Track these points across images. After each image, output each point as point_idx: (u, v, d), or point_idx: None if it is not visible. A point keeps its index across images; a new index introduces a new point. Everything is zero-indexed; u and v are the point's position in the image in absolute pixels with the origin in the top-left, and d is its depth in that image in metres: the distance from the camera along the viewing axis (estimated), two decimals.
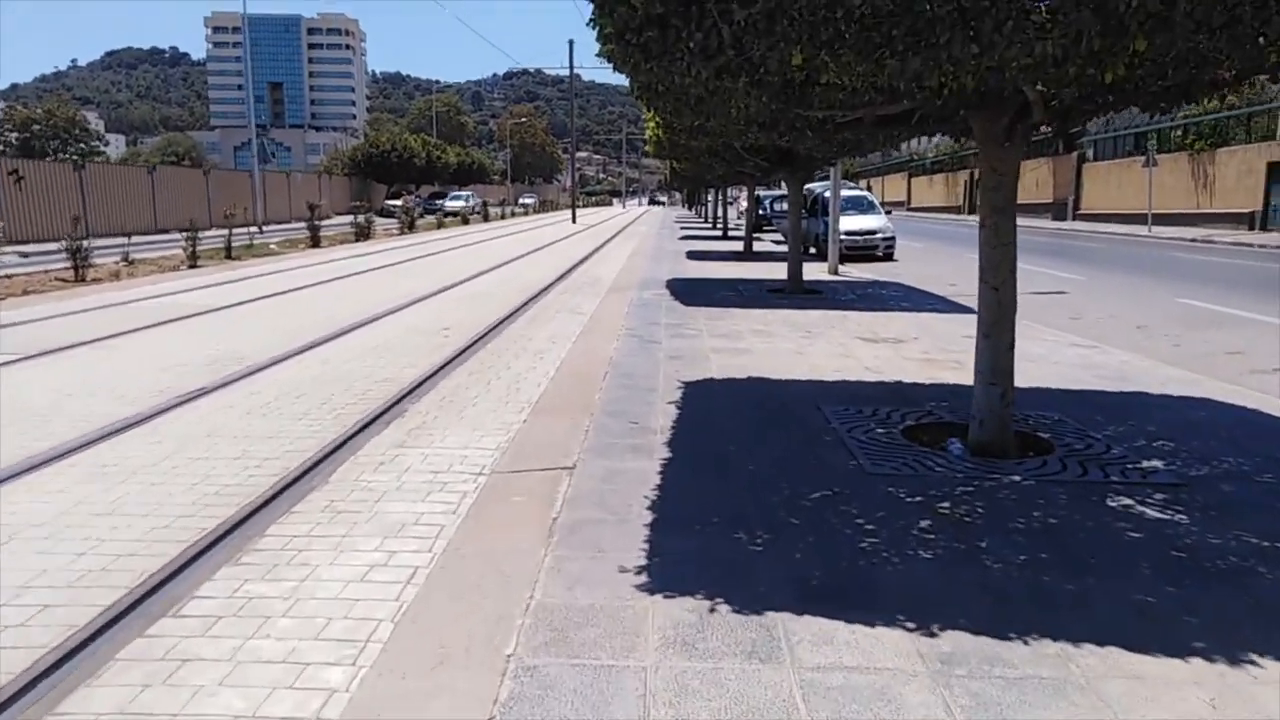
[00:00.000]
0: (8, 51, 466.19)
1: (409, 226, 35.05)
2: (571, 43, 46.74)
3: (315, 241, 25.61)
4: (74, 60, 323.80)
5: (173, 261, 18.94)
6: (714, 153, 14.51)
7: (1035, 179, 49.51)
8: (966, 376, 8.06)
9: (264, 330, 10.55)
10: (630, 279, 16.29)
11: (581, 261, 21.20)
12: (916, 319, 11.31)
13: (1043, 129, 5.99)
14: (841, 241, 18.38)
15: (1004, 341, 5.55)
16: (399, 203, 50.81)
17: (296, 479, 5.02)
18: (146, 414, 6.48)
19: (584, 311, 12.17)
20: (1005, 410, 5.52)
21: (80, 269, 15.63)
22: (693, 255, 22.54)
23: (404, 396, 7.09)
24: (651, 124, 13.55)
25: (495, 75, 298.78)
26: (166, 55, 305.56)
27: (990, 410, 5.51)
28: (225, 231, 26.08)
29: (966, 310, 12.15)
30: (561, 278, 17.09)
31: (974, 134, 5.66)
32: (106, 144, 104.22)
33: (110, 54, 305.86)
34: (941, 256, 24.23)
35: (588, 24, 4.52)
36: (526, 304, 13.00)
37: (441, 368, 8.26)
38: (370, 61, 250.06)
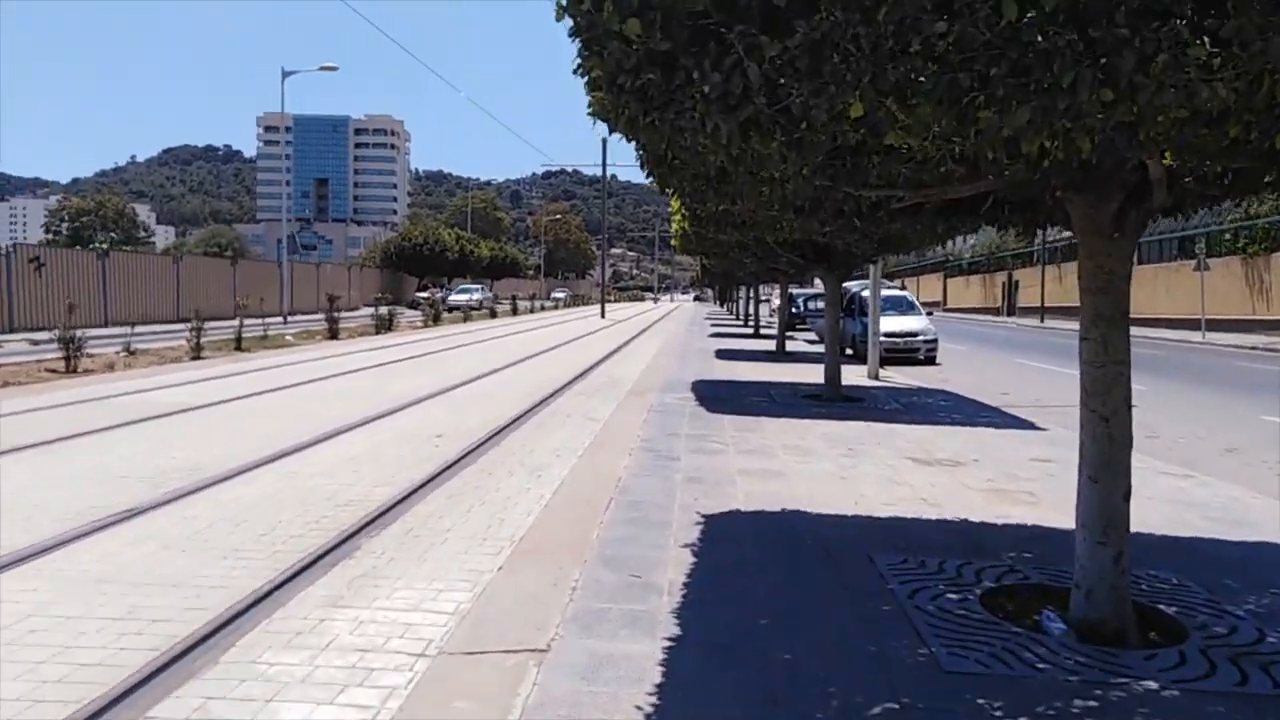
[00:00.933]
0: (71, 147, 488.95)
1: (434, 319, 34.43)
2: (605, 140, 47.05)
3: (333, 334, 24.90)
4: (133, 156, 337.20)
5: (178, 352, 18.14)
6: (745, 247, 13.51)
7: (1074, 283, 48.25)
8: (1045, 515, 6.72)
9: (235, 435, 9.45)
10: (653, 380, 15.13)
11: (604, 359, 20.13)
12: (972, 435, 9.97)
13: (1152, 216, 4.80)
14: (881, 344, 17.17)
15: (1117, 488, 4.25)
16: (427, 295, 50.70)
17: (177, 657, 3.77)
18: (41, 547, 5.30)
19: (598, 418, 10.98)
20: (1121, 579, 4.18)
21: (72, 359, 14.80)
22: (722, 354, 21.40)
23: (364, 527, 5.87)
24: (677, 216, 12.62)
25: (534, 174, 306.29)
26: (220, 152, 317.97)
27: (1101, 578, 4.17)
28: (250, 323, 25.68)
29: (1026, 425, 10.79)
30: (580, 377, 15.98)
31: (1072, 223, 4.47)
32: (151, 234, 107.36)
33: (167, 150, 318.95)
34: (987, 360, 22.88)
35: (574, 71, 3.46)
36: (537, 407, 11.84)
37: (420, 487, 7.05)
38: (414, 160, 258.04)
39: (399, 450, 8.66)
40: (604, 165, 46.98)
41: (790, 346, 23.05)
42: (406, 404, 11.79)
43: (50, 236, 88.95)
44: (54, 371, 14.64)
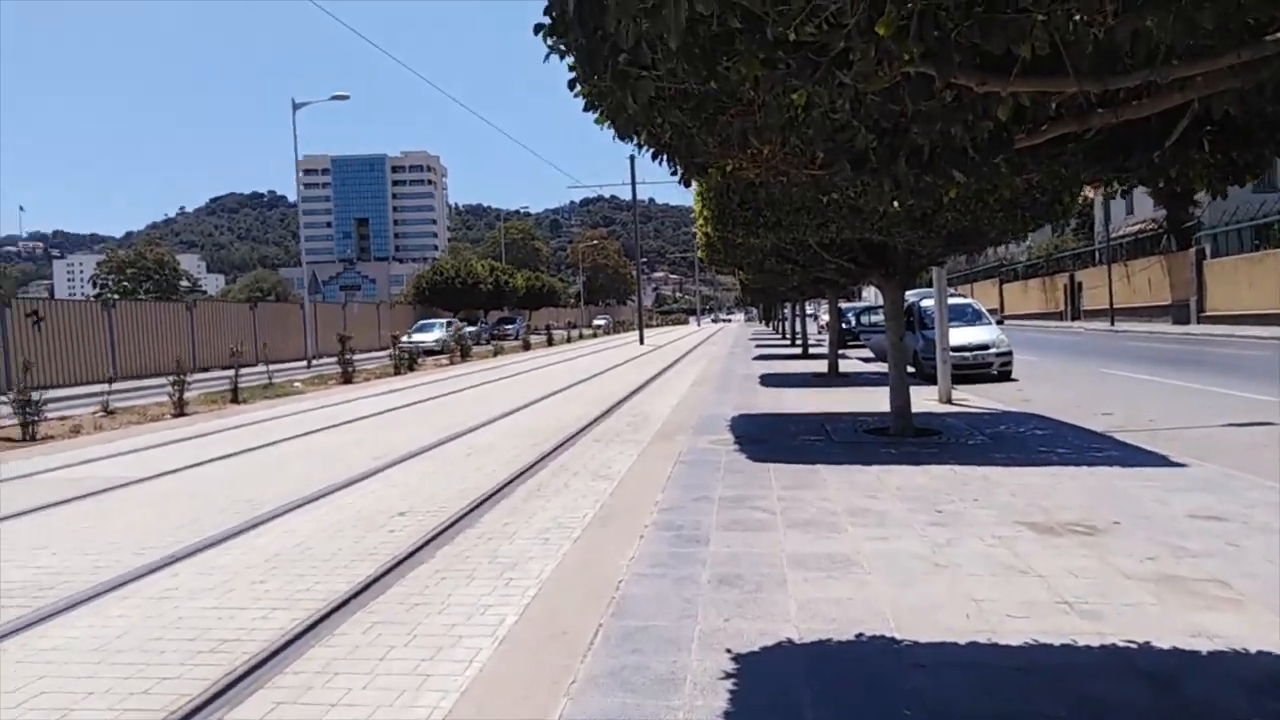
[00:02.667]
0: (123, 202, 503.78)
1: (461, 355, 32.60)
2: (633, 158, 45.20)
3: (347, 377, 23.11)
4: (182, 207, 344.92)
5: (166, 408, 16.40)
6: (784, 256, 11.31)
7: (1148, 279, 45.11)
8: (1260, 621, 4.46)
9: (138, 526, 7.46)
10: (687, 417, 12.94)
11: (635, 392, 17.97)
12: (1095, 479, 7.61)
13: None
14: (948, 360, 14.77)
15: None
16: (471, 329, 49.03)
17: None
18: None
19: (612, 474, 8.82)
20: None
21: (29, 425, 13.06)
22: (767, 380, 19.10)
23: (204, 707, 3.77)
24: (700, 221, 10.49)
25: (572, 202, 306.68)
26: (265, 199, 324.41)
27: None
28: (266, 368, 24.15)
29: (1157, 460, 8.39)
30: (603, 416, 13.84)
31: None
32: (198, 282, 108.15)
33: (214, 200, 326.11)
34: (1067, 372, 20.26)
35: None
36: (541, 462, 9.73)
37: (331, 613, 4.95)
38: (452, 194, 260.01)
39: (339, 541, 6.58)
40: (634, 183, 44.99)
41: (843, 366, 20.67)
42: (383, 466, 9.75)
43: (98, 291, 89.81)
44: (7, 440, 12.92)
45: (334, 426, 13.70)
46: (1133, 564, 5.25)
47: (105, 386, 22.73)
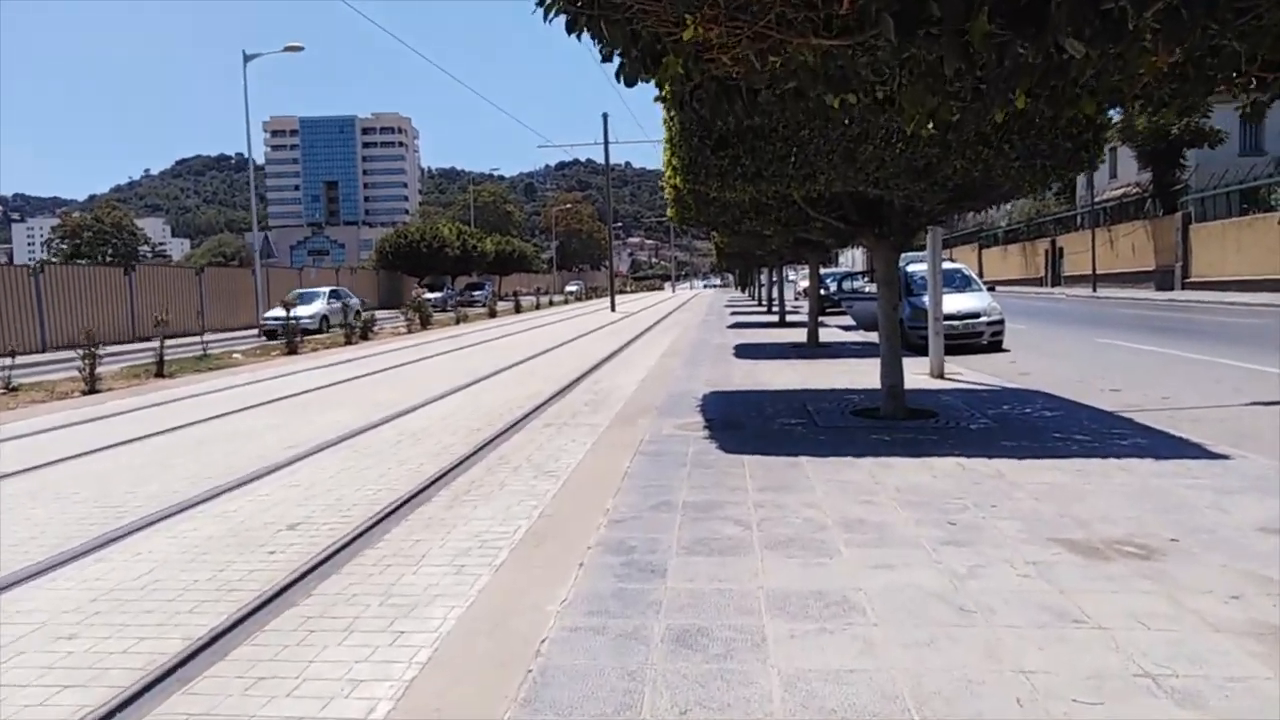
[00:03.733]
0: (87, 164, 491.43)
1: (422, 324, 30.99)
2: (606, 116, 43.38)
3: (292, 348, 21.53)
4: (147, 170, 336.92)
5: (77, 384, 14.78)
6: (763, 211, 9.94)
7: (1132, 244, 44.19)
8: None
9: None
10: (653, 394, 11.60)
11: (598, 365, 16.60)
12: (1127, 476, 6.37)
13: None
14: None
15: None
16: (436, 295, 47.23)
17: None
18: None
19: (559, 470, 7.48)
20: None
21: None
22: (742, 351, 17.78)
23: None
24: (669, 172, 9.09)
25: (548, 167, 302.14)
26: (233, 161, 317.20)
27: None
28: (218, 336, 22.53)
29: (1196, 451, 7.17)
30: (559, 394, 12.47)
31: None
32: (164, 245, 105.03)
33: (180, 162, 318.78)
34: (1059, 341, 19.13)
35: None
36: (478, 452, 8.36)
37: (135, 698, 3.58)
38: (425, 158, 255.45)
39: (199, 570, 5.19)
40: (605, 142, 43.24)
41: (823, 335, 19.37)
42: (292, 459, 8.33)
43: (51, 255, 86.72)
44: None
45: (256, 406, 12.22)
46: (1214, 605, 4.00)
47: (34, 357, 21.05)
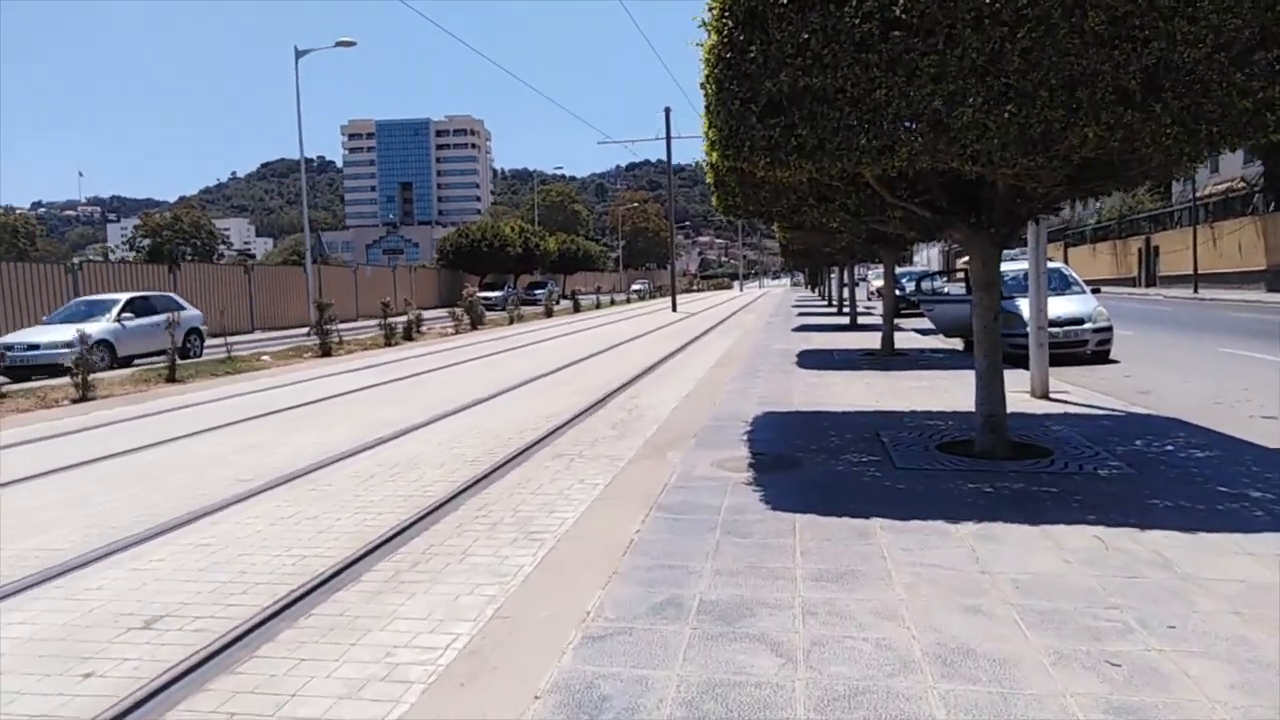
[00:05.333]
0: (177, 167, 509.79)
1: (472, 324, 29.62)
2: (668, 110, 41.51)
3: (326, 350, 20.27)
4: (234, 172, 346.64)
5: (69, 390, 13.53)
6: (825, 198, 8.00)
7: (1238, 241, 40.55)
8: None
9: None
10: (695, 415, 9.76)
11: (643, 374, 14.78)
12: None
13: None
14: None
15: None
16: (496, 294, 46.10)
17: None
18: None
19: (547, 532, 5.71)
20: None
21: None
22: (807, 360, 15.77)
23: None
24: (707, 145, 7.20)
25: (618, 167, 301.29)
26: (315, 164, 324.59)
27: None
28: (265, 335, 21.51)
29: None
30: (587, 411, 10.72)
31: None
32: (228, 244, 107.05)
33: (265, 165, 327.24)
34: (1176, 348, 16.66)
35: None
36: (457, 497, 6.64)
37: None
38: (498, 159, 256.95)
39: (30, 701, 3.57)
40: (668, 136, 41.37)
41: (898, 341, 17.22)
42: (225, 502, 6.70)
43: (134, 254, 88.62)
44: None
45: (240, 422, 10.74)
46: None
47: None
